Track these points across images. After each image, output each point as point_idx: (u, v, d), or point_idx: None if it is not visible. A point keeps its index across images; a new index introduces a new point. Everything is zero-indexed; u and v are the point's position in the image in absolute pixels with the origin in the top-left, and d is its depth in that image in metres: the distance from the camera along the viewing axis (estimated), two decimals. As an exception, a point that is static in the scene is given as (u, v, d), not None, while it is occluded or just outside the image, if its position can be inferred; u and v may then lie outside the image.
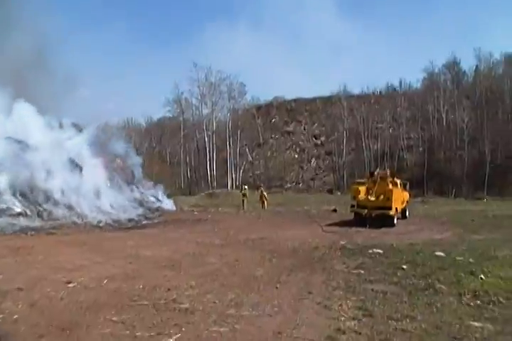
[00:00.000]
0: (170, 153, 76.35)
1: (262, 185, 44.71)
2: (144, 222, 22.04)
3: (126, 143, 36.69)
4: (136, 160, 32.53)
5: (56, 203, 20.92)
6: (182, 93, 69.48)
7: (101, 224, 20.18)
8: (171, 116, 76.30)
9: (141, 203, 27.71)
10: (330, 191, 63.17)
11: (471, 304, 6.69)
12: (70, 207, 21.21)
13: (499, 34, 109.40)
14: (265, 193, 31.76)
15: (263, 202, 30.84)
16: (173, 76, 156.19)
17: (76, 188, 22.27)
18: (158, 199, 30.81)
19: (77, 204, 21.68)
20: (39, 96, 26.82)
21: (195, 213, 27.38)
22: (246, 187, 33.92)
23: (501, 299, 6.88)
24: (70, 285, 7.98)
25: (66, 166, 22.93)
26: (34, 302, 6.87)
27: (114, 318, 6.07)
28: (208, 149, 64.36)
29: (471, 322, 5.84)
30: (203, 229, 18.51)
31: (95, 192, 23.62)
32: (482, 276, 8.29)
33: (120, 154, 30.65)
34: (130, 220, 22.33)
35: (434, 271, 9.02)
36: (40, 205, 20.35)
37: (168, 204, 30.93)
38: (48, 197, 20.84)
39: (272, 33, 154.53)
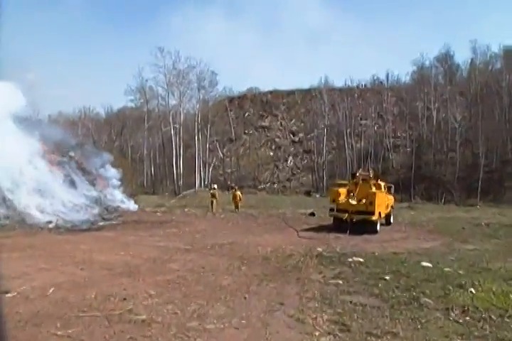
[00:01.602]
0: (132, 147, 75.85)
1: (235, 185, 44.70)
2: (100, 224, 21.75)
3: (83, 135, 35.84)
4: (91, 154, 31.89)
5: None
6: (146, 81, 68.39)
7: (50, 226, 19.80)
8: (133, 106, 75.82)
9: (97, 202, 27.32)
10: (308, 193, 63.41)
11: (460, 321, 6.72)
12: (12, 206, 20.74)
13: (497, 25, 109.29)
14: (240, 194, 31.59)
15: (237, 205, 30.66)
16: (137, 61, 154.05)
17: (20, 183, 21.71)
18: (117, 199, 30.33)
19: (22, 202, 21.19)
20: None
21: (159, 214, 27.21)
22: (215, 186, 33.61)
23: (493, 316, 6.90)
24: (9, 295, 7.75)
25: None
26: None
27: (59, 332, 5.94)
28: (174, 144, 63.75)
29: (459, 341, 5.86)
30: (166, 232, 18.41)
31: (44, 188, 23.09)
32: (472, 290, 8.34)
33: (74, 147, 30.16)
34: (85, 221, 22.00)
35: (420, 282, 9.07)
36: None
37: (128, 204, 30.58)
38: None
39: (247, 19, 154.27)
